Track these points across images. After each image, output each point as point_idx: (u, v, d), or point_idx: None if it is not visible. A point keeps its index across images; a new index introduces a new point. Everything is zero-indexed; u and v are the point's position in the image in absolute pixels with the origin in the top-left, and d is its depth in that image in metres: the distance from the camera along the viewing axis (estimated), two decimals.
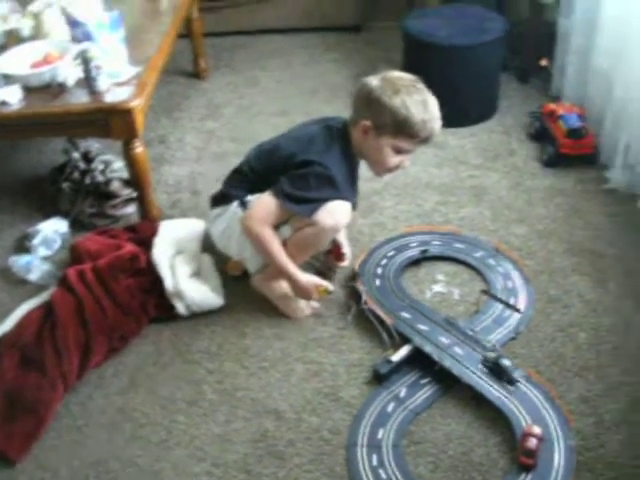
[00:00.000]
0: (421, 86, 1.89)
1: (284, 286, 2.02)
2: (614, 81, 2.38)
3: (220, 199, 2.04)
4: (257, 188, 1.93)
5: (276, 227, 1.92)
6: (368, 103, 1.86)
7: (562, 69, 2.80)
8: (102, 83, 2.03)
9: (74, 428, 1.74)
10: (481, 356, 1.79)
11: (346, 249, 2.14)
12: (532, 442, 1.55)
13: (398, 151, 1.89)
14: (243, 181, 2.01)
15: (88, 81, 2.03)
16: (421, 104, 1.84)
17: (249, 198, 1.95)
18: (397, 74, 1.91)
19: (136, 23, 2.49)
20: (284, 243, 1.93)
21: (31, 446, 1.69)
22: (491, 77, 2.80)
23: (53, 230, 2.30)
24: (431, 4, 3.06)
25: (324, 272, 2.11)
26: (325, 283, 2.00)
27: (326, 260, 2.15)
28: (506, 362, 1.74)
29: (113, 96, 2.05)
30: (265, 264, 2.02)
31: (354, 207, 1.96)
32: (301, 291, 1.98)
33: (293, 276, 1.94)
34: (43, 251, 2.24)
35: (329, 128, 1.96)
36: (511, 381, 1.72)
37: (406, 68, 2.81)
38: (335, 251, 2.13)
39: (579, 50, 2.64)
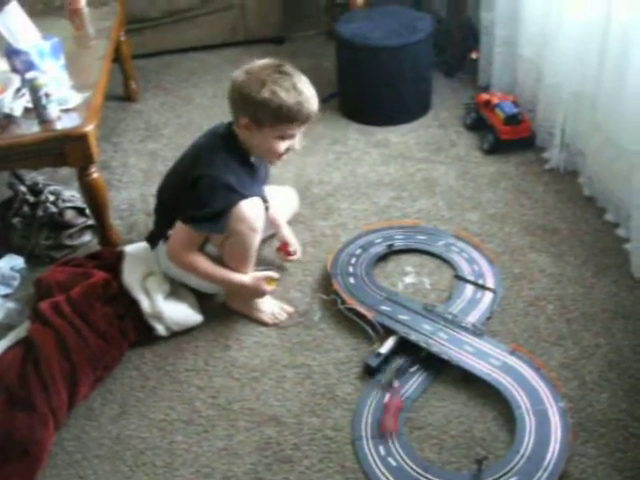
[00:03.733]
0: (288, 69, 1.87)
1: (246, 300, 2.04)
2: (543, 68, 2.51)
3: (152, 240, 2.09)
4: (172, 220, 1.94)
5: (200, 249, 1.94)
6: (241, 100, 1.85)
7: (489, 60, 2.92)
8: (52, 111, 1.99)
9: (72, 464, 1.69)
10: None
11: (294, 244, 2.17)
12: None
13: (283, 137, 1.89)
14: (161, 217, 2.06)
15: (38, 110, 1.98)
16: (292, 88, 1.82)
17: (170, 232, 1.97)
18: (260, 64, 1.88)
19: (70, 49, 2.43)
20: (218, 261, 1.95)
21: None
22: (424, 74, 2.89)
23: (9, 267, 2.22)
24: (357, 8, 3.12)
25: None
26: (268, 273, 2.02)
27: (278, 257, 2.18)
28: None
29: (65, 123, 2.01)
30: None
31: (264, 200, 1.96)
32: (253, 292, 2.00)
33: (237, 282, 1.96)
34: (3, 290, 2.17)
35: (214, 134, 1.99)
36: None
37: (340, 73, 2.89)
38: (283, 248, 2.16)
39: (504, 43, 2.77)
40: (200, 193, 1.85)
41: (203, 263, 1.92)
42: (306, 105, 1.85)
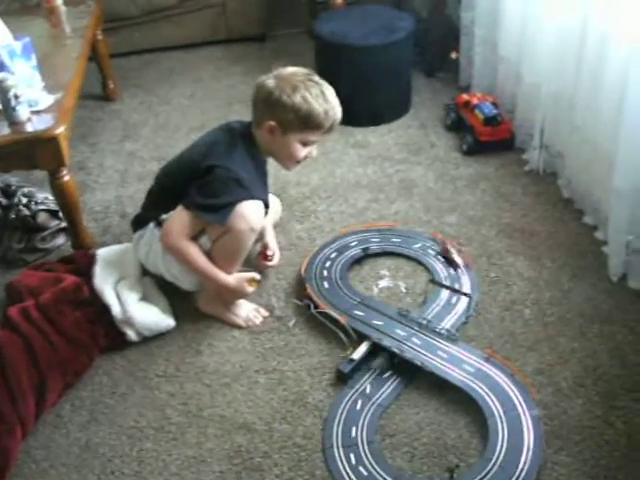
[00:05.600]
0: (316, 78, 1.94)
1: (224, 300, 2.02)
2: (522, 69, 2.49)
3: (138, 222, 2.06)
4: (170, 205, 1.93)
5: (194, 239, 1.92)
6: (269, 104, 1.89)
7: (469, 61, 2.91)
8: (22, 113, 1.96)
9: (40, 472, 1.66)
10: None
11: (272, 249, 2.15)
12: None
13: (305, 143, 1.94)
14: (156, 201, 2.03)
15: (7, 112, 1.95)
16: (320, 96, 1.89)
17: (164, 216, 1.95)
18: (290, 70, 1.94)
19: (44, 49, 2.41)
20: (208, 255, 1.93)
21: None
22: (404, 74, 2.87)
23: None
24: (337, 7, 3.09)
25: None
26: (251, 274, 2.01)
27: (256, 261, 2.16)
28: None
29: (35, 125, 1.98)
30: (200, 284, 2.02)
31: (266, 205, 1.97)
32: (234, 292, 1.98)
33: (221, 280, 1.94)
34: None
35: (230, 130, 1.99)
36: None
37: (320, 71, 2.83)
38: (261, 252, 2.14)
39: (484, 42, 2.75)
40: (211, 182, 1.85)
41: (193, 252, 1.90)
42: (332, 113, 1.91)
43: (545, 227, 2.28)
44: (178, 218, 1.89)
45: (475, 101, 2.64)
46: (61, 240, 2.33)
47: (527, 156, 2.56)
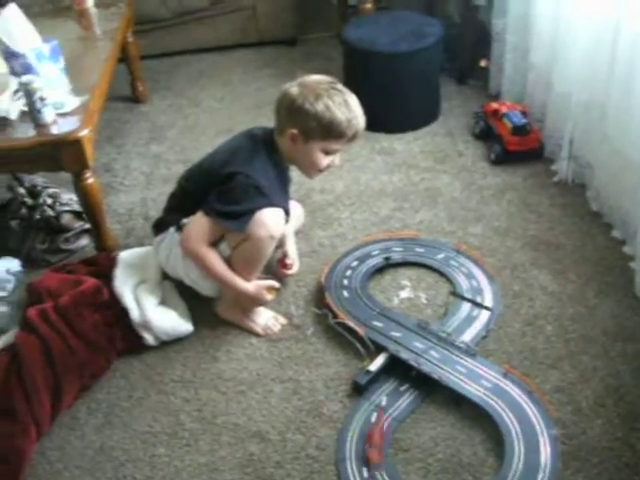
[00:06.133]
0: (340, 86, 1.92)
1: (243, 307, 2.01)
2: (552, 76, 2.45)
3: (159, 226, 2.06)
4: (191, 210, 1.92)
5: (214, 245, 1.92)
6: (292, 112, 1.88)
7: (500, 68, 2.86)
8: (47, 115, 1.98)
9: (53, 474, 1.67)
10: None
11: (292, 258, 2.14)
12: None
13: (327, 152, 1.93)
14: (178, 205, 2.04)
15: (32, 114, 1.97)
16: (343, 105, 1.87)
17: (185, 221, 1.95)
18: (314, 78, 1.93)
19: (74, 51, 2.43)
20: (227, 262, 1.93)
21: None
22: (432, 81, 2.84)
23: (5, 270, 2.20)
24: (366, 13, 3.07)
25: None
26: (269, 282, 2.00)
27: (275, 269, 2.15)
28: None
29: (60, 128, 1.99)
30: (220, 290, 2.02)
31: (287, 213, 1.96)
32: (253, 299, 1.98)
33: (239, 287, 1.94)
34: None
35: (253, 137, 1.98)
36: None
37: (347, 77, 2.86)
38: (280, 260, 2.13)
39: (515, 49, 2.71)
40: (232, 189, 1.85)
41: (212, 258, 1.90)
42: (354, 122, 1.89)
43: (572, 240, 2.23)
44: (198, 224, 1.89)
45: (504, 110, 2.60)
46: (84, 241, 2.35)
47: (556, 167, 2.52)
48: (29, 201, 2.33)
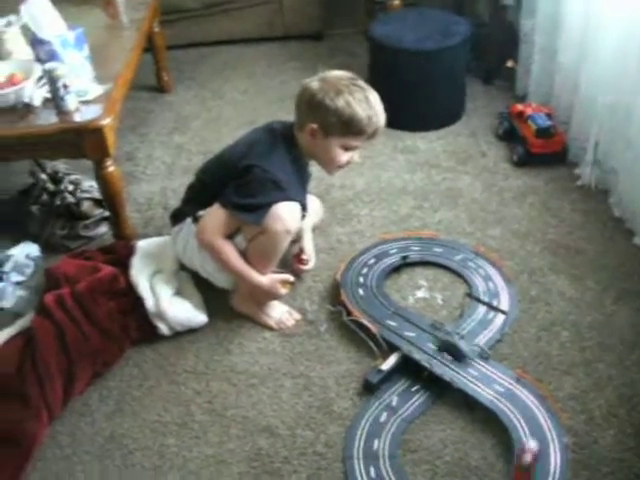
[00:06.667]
0: (361, 83, 1.90)
1: (258, 300, 2.01)
2: (580, 79, 2.41)
3: (177, 216, 2.07)
4: (208, 201, 1.93)
5: (230, 237, 1.92)
6: (312, 107, 1.87)
7: (527, 69, 2.83)
8: (70, 102, 1.99)
9: (63, 458, 1.69)
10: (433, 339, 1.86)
11: (308, 254, 2.13)
12: (527, 458, 1.50)
13: (347, 148, 1.92)
14: (196, 196, 2.04)
15: (56, 101, 1.98)
16: (364, 101, 1.86)
17: (201, 213, 1.95)
18: (336, 74, 1.92)
19: (99, 39, 2.43)
20: (243, 255, 1.93)
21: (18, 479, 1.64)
22: (458, 80, 2.82)
23: (24, 255, 2.24)
24: (394, 9, 3.05)
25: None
26: (284, 276, 2.00)
27: (291, 263, 2.14)
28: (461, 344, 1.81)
29: (82, 115, 2.00)
30: (235, 282, 2.02)
31: (304, 208, 1.96)
32: (267, 293, 1.97)
33: (254, 280, 1.94)
34: (16, 277, 2.18)
35: (272, 131, 1.98)
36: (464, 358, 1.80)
37: (372, 74, 2.84)
38: (296, 255, 2.13)
39: (543, 50, 2.67)
40: (249, 182, 1.85)
41: (228, 250, 1.91)
42: (375, 120, 1.88)
43: (592, 246, 2.20)
44: (214, 216, 1.89)
45: (529, 111, 2.57)
46: (103, 229, 2.36)
47: (579, 171, 2.48)
48: (50, 187, 2.35)
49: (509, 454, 1.60)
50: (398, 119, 2.78)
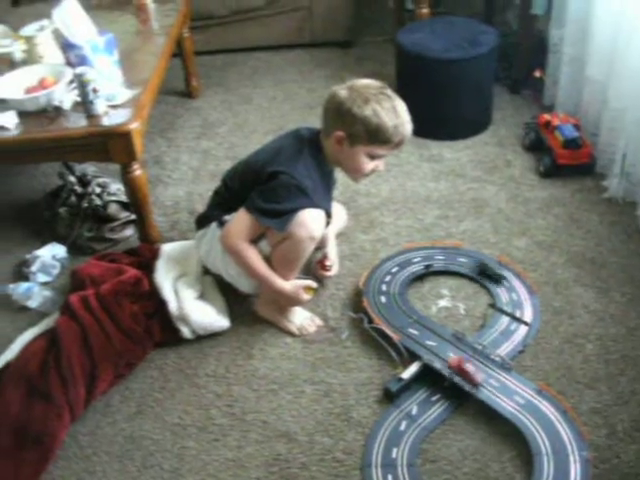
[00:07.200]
0: (389, 92, 1.90)
1: (280, 305, 2.02)
2: (608, 90, 2.39)
3: (202, 221, 2.08)
4: (234, 207, 1.94)
5: (254, 242, 1.93)
6: (339, 114, 1.87)
7: (555, 79, 2.81)
8: (99, 106, 2.02)
9: (83, 458, 1.71)
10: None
11: (332, 260, 2.13)
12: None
13: (373, 157, 1.92)
14: (221, 201, 2.05)
15: (85, 105, 2.01)
16: (391, 110, 1.86)
17: (226, 217, 1.97)
18: (364, 82, 1.92)
19: (129, 45, 2.47)
20: (267, 260, 1.94)
21: (39, 478, 1.66)
22: (485, 89, 2.81)
23: (51, 255, 2.27)
24: (422, 18, 3.05)
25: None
26: (307, 282, 2.00)
27: (314, 269, 2.15)
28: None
29: (111, 119, 2.03)
30: (258, 287, 2.03)
31: (329, 215, 1.96)
32: (290, 298, 1.98)
33: (277, 286, 1.94)
34: (42, 277, 2.22)
35: (299, 137, 1.98)
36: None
37: (400, 82, 2.84)
38: (320, 261, 2.13)
39: (572, 61, 2.65)
40: (274, 187, 1.86)
41: (252, 255, 1.92)
42: (401, 129, 1.88)
43: (618, 259, 2.18)
44: (239, 220, 1.90)
45: (556, 122, 2.55)
46: (129, 232, 2.39)
47: (607, 183, 2.46)
48: (79, 189, 2.38)
49: (528, 467, 1.59)
50: (425, 128, 2.77)
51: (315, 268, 2.14)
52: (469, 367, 1.75)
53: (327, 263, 2.12)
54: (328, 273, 2.12)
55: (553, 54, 2.81)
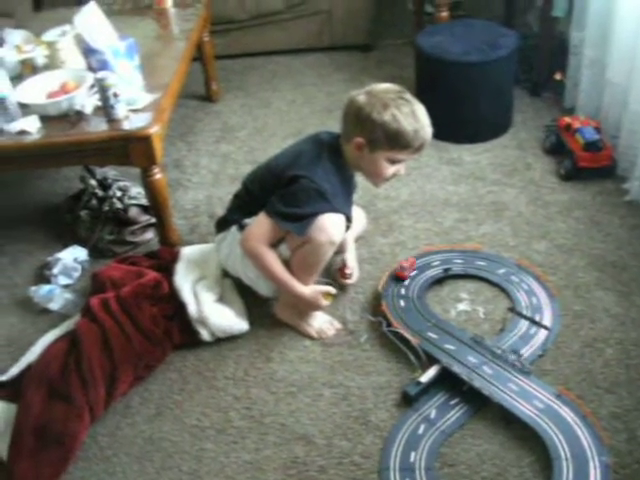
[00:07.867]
0: (408, 96, 1.90)
1: (299, 309, 2.02)
2: (629, 93, 2.37)
3: (222, 224, 2.09)
4: (254, 210, 1.94)
5: (274, 246, 1.93)
6: (359, 120, 1.87)
7: (575, 82, 2.80)
8: (120, 111, 2.04)
9: (103, 459, 1.73)
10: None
11: (351, 268, 2.13)
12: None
13: (393, 161, 1.91)
14: (241, 205, 2.06)
15: (106, 109, 2.04)
16: (411, 115, 1.85)
17: (247, 221, 1.97)
18: (382, 87, 1.91)
19: (150, 49, 2.49)
20: (286, 264, 1.94)
21: (59, 478, 1.68)
22: (505, 92, 2.80)
23: (73, 258, 2.30)
24: (441, 21, 3.05)
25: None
26: (326, 288, 2.00)
27: (334, 276, 2.15)
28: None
29: (131, 123, 2.05)
30: (277, 290, 2.04)
31: (349, 219, 1.96)
32: (309, 303, 1.98)
33: (296, 290, 1.94)
34: (63, 280, 2.24)
35: (319, 141, 1.98)
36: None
37: (419, 85, 2.84)
38: (340, 269, 2.13)
39: (593, 63, 2.63)
40: (294, 192, 1.86)
41: (271, 259, 1.92)
42: (421, 133, 1.87)
43: (639, 262, 2.16)
44: (259, 224, 1.91)
45: (577, 125, 2.53)
46: (150, 235, 2.41)
47: (628, 185, 2.43)
48: (99, 193, 2.40)
49: (547, 472, 1.58)
50: (444, 131, 2.77)
51: (335, 275, 2.15)
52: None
53: (347, 271, 2.12)
54: (347, 281, 2.12)
55: (574, 56, 2.79)
